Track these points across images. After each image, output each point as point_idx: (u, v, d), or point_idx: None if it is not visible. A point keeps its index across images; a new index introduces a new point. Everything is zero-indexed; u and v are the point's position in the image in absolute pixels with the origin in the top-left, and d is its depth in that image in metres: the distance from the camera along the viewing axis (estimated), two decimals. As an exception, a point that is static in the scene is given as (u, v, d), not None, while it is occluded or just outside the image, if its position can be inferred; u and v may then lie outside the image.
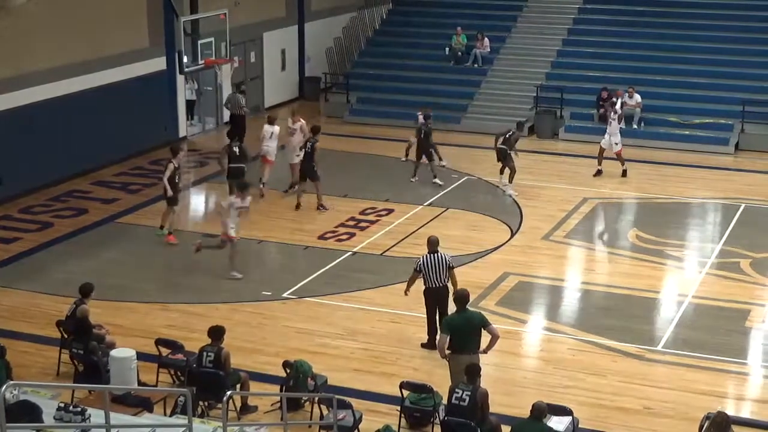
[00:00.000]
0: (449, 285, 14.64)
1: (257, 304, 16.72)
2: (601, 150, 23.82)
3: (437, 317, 14.59)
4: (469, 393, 11.50)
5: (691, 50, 29.54)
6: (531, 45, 30.99)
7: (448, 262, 14.73)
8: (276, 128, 22.13)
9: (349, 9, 34.44)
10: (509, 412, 12.65)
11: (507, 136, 22.34)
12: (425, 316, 15.00)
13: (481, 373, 12.54)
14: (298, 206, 21.09)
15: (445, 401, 12.08)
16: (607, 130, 23.80)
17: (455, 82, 30.11)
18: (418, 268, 14.75)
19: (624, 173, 23.79)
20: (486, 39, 30.55)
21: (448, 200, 22.12)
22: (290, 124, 22.69)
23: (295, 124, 22.70)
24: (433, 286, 14.68)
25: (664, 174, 24.48)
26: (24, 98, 21.79)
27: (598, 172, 23.83)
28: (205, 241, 18.20)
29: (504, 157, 22.36)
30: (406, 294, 15.15)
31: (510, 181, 22.41)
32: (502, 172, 22.61)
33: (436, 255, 14.72)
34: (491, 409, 12.26)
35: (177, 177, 19.11)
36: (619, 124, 24.33)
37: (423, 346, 15.03)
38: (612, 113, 23.94)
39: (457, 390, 11.60)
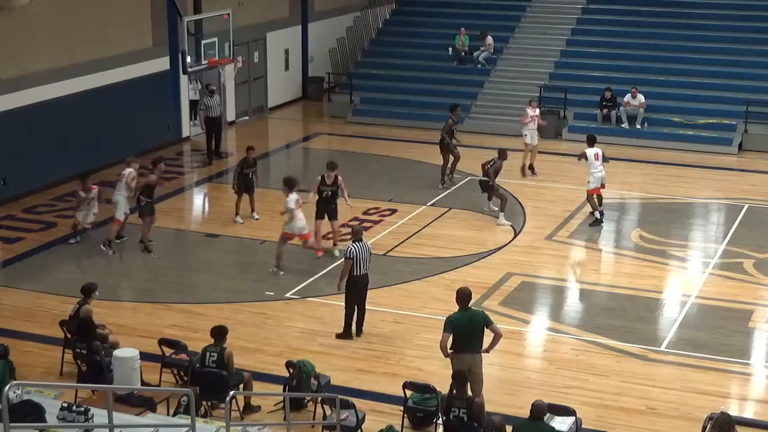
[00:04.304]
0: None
1: (260, 303, 16.72)
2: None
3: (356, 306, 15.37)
4: (465, 410, 11.54)
5: (694, 50, 29.53)
6: (534, 45, 30.99)
7: (369, 249, 15.44)
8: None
9: (352, 9, 34.44)
10: (512, 412, 12.65)
11: (488, 166, 20.81)
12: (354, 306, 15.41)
13: (482, 372, 12.60)
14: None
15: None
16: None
17: (459, 82, 30.10)
18: (350, 255, 15.14)
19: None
20: (489, 38, 30.51)
21: (451, 200, 22.12)
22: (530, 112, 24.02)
23: (535, 109, 24.10)
24: (359, 274, 15.20)
25: (667, 174, 24.47)
26: (27, 98, 21.81)
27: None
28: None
29: (488, 189, 20.95)
30: (339, 289, 15.46)
31: (502, 210, 20.66)
32: (489, 198, 21.24)
33: (361, 243, 15.30)
34: (494, 410, 12.39)
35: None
36: (621, 124, 24.38)
37: (339, 336, 15.38)
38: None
39: (453, 409, 11.61)
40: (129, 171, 18.92)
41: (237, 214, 20.50)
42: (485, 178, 20.93)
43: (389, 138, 27.33)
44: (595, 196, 20.47)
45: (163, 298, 16.98)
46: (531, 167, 24.00)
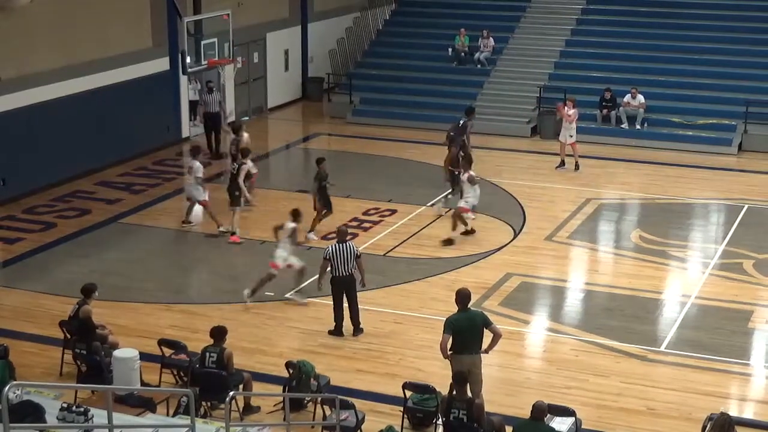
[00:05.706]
0: (356, 274, 15.43)
1: (260, 304, 16.71)
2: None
3: (346, 305, 15.48)
4: (465, 411, 11.54)
5: (694, 51, 29.54)
6: (534, 45, 30.99)
7: (355, 252, 15.38)
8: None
9: (352, 10, 34.43)
10: (512, 413, 12.66)
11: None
12: (338, 304, 15.53)
13: (482, 372, 12.61)
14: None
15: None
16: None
17: (458, 82, 30.11)
18: (326, 256, 15.31)
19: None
20: (491, 38, 30.54)
21: (452, 201, 22.09)
22: (568, 111, 24.17)
23: (569, 109, 24.25)
24: (340, 274, 15.28)
25: (667, 174, 24.47)
26: (27, 99, 21.80)
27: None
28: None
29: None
30: (319, 288, 15.72)
31: (446, 197, 21.48)
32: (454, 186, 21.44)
33: (343, 245, 15.35)
34: (494, 410, 12.38)
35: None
36: (620, 125, 24.46)
37: (330, 333, 15.50)
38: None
39: (453, 410, 11.62)
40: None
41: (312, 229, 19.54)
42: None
43: (389, 138, 27.33)
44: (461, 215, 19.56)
45: (163, 299, 16.98)
46: (576, 164, 24.42)
